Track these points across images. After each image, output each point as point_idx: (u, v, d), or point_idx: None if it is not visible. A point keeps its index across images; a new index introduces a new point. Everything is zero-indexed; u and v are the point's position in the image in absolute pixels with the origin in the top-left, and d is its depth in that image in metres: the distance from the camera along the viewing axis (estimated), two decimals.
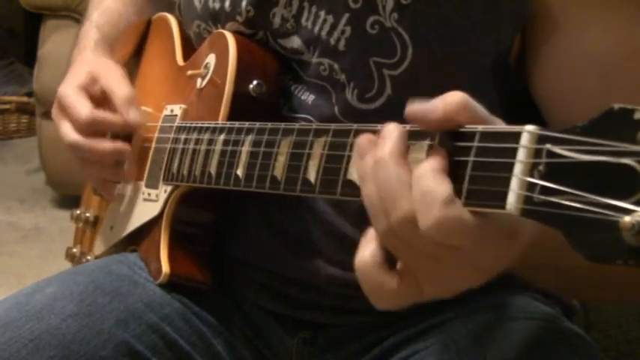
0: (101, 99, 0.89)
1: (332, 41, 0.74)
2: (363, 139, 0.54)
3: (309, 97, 0.78)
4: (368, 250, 0.52)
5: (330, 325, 0.82)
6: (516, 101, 0.74)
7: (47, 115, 2.45)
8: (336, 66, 0.75)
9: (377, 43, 0.72)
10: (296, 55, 0.78)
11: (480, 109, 0.51)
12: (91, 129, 0.86)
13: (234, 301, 0.85)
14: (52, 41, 2.46)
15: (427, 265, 0.51)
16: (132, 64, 1.07)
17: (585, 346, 0.72)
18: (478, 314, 0.76)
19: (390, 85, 0.73)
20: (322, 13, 0.75)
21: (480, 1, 0.69)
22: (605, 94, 0.67)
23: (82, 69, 0.92)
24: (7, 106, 3.20)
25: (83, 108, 0.86)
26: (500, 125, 0.51)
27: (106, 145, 0.86)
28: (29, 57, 3.10)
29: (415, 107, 0.51)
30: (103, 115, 0.86)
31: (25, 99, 3.19)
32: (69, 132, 0.87)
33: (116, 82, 0.89)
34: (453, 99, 0.50)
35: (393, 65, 0.72)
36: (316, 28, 0.75)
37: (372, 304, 0.54)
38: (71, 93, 0.88)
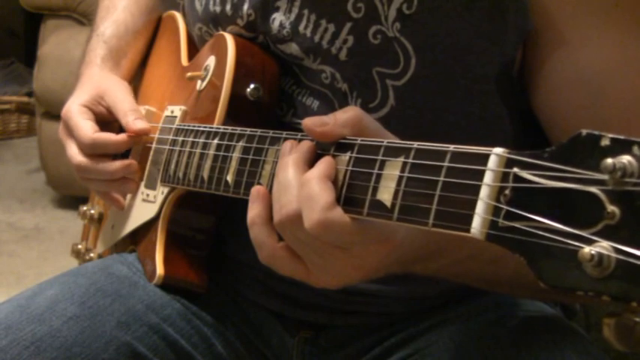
0: (107, 116, 0.90)
1: (333, 50, 0.74)
2: (286, 144, 0.61)
3: (313, 103, 0.77)
4: (254, 210, 0.62)
5: (332, 325, 0.82)
6: (527, 118, 0.73)
7: (47, 115, 2.44)
8: (337, 75, 0.74)
9: (380, 53, 0.71)
10: (297, 60, 0.77)
11: (373, 124, 0.58)
12: (93, 151, 0.87)
13: (235, 300, 0.85)
14: (52, 41, 2.46)
15: (313, 257, 0.58)
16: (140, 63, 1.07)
17: (586, 345, 0.72)
18: (479, 313, 0.77)
19: (394, 96, 0.72)
20: (323, 22, 0.74)
21: (484, 11, 0.68)
22: (597, 111, 0.66)
23: (88, 86, 0.93)
24: (7, 106, 3.19)
25: (85, 130, 0.87)
26: (393, 139, 0.55)
27: (112, 166, 0.87)
28: (29, 57, 3.09)
29: (311, 120, 0.59)
30: (105, 137, 0.87)
31: (25, 99, 3.19)
32: (75, 154, 0.88)
33: (120, 99, 0.90)
34: (342, 115, 0.58)
35: (397, 75, 0.71)
36: (316, 37, 0.74)
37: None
38: (75, 113, 0.89)
